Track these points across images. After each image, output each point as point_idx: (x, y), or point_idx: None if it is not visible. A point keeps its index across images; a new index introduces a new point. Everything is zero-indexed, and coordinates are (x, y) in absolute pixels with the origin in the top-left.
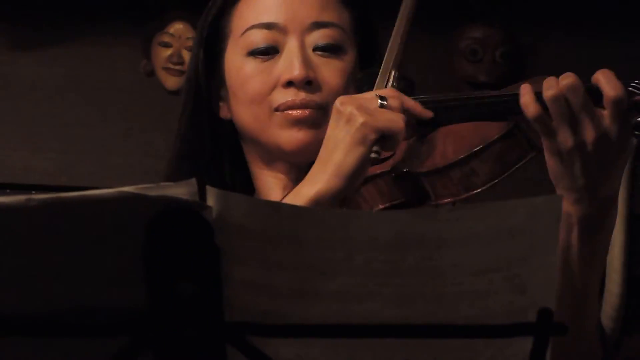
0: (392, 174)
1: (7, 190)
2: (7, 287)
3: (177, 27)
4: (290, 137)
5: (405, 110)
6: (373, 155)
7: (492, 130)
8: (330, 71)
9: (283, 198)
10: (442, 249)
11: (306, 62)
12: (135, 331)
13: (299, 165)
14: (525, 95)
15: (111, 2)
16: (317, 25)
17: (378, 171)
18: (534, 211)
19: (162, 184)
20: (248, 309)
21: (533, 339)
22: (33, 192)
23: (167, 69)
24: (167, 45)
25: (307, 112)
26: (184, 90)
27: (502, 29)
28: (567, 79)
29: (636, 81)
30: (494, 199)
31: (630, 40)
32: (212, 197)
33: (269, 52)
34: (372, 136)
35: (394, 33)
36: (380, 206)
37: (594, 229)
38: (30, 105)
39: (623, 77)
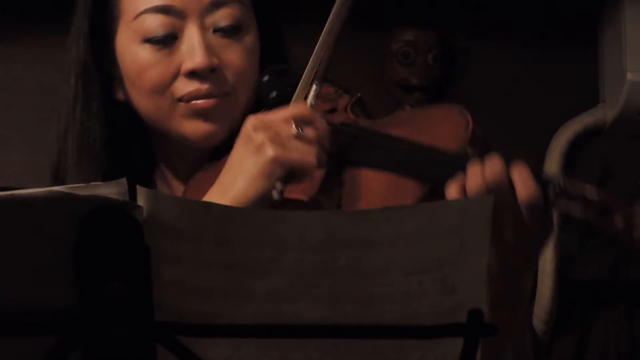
0: (308, 207)
1: None
2: None
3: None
4: (197, 128)
5: (321, 129)
6: (276, 196)
7: (409, 195)
8: (235, 53)
9: None
10: (372, 250)
11: (209, 48)
12: (65, 330)
13: (200, 151)
14: (452, 186)
15: (44, 4)
16: (216, 4)
17: (294, 197)
18: (464, 211)
19: (93, 183)
20: (179, 308)
21: (463, 340)
22: None
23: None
24: None
25: (212, 101)
26: (72, 75)
27: (435, 32)
28: (494, 170)
29: (559, 182)
30: None
31: (560, 43)
32: (142, 197)
33: (167, 40)
34: (280, 172)
35: (319, 42)
36: None
37: (507, 306)
38: None
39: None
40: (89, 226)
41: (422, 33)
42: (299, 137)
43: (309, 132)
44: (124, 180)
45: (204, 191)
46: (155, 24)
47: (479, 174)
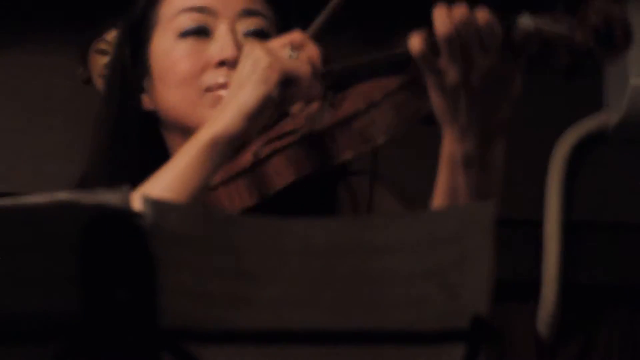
0: (299, 141)
1: None
2: None
3: (114, 35)
4: None
5: (311, 60)
6: (275, 98)
7: (392, 83)
8: None
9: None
10: (375, 256)
11: (237, 44)
12: (70, 338)
13: None
14: (414, 37)
15: (46, 11)
16: (248, 12)
17: (286, 143)
18: (465, 218)
19: (97, 190)
20: (183, 315)
21: (465, 346)
22: None
23: (103, 77)
24: (104, 53)
25: None
26: (107, 86)
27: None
28: (459, 10)
29: (525, 15)
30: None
31: None
32: (146, 204)
33: (200, 32)
34: (276, 77)
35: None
36: (290, 179)
37: (478, 166)
38: None
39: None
40: (93, 233)
41: None
42: (292, 57)
43: (302, 54)
44: (127, 187)
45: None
46: (191, 19)
47: (447, 19)
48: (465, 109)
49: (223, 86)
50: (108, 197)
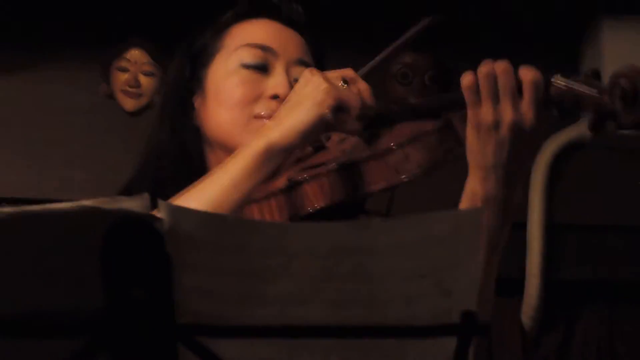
0: (335, 169)
1: None
2: None
3: (134, 54)
4: None
5: (360, 94)
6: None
7: (428, 125)
8: None
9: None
10: (374, 257)
11: (290, 84)
12: (94, 332)
13: None
14: (466, 74)
15: (72, 30)
16: (302, 62)
17: (324, 170)
18: (457, 222)
19: (118, 197)
20: (197, 311)
21: (457, 339)
22: (3, 204)
23: (125, 92)
24: (124, 70)
25: None
26: (164, 100)
27: (431, 54)
28: (502, 63)
29: (558, 75)
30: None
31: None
32: (163, 210)
33: (261, 68)
34: (332, 102)
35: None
36: (322, 204)
37: (497, 208)
38: (8, 135)
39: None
40: (115, 237)
41: (419, 55)
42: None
43: (354, 87)
44: (146, 194)
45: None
46: (255, 54)
47: (490, 63)
48: (492, 153)
49: (270, 117)
50: (129, 203)
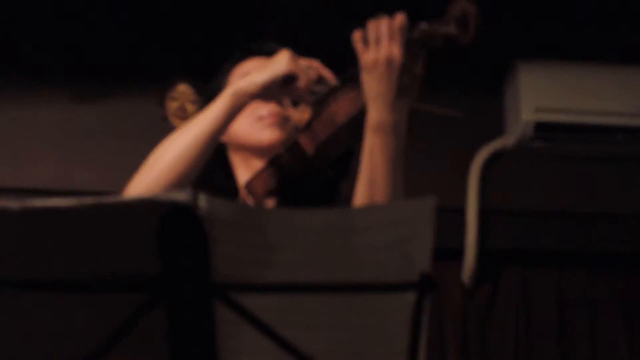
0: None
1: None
2: (62, 260)
3: (182, 87)
4: (271, 135)
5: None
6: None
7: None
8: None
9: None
10: (356, 233)
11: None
12: (153, 290)
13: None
14: (357, 30)
15: (136, 69)
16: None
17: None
18: (414, 208)
19: (169, 191)
20: (228, 274)
21: (416, 294)
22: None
23: (175, 116)
24: (175, 100)
25: (279, 118)
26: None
27: None
28: (384, 16)
29: (423, 22)
30: None
31: (481, 94)
32: (202, 200)
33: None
34: (285, 71)
35: None
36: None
37: (390, 129)
38: (88, 144)
39: None
40: (168, 220)
41: None
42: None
43: (312, 70)
44: (190, 190)
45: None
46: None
47: (380, 18)
48: (377, 85)
49: (270, 117)
50: (178, 195)
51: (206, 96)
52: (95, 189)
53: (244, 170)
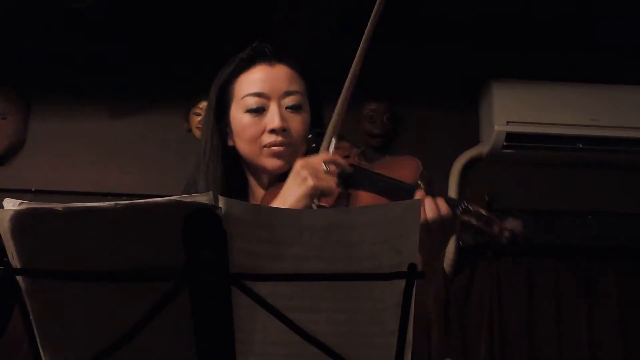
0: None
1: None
2: (100, 254)
3: (204, 104)
4: (274, 164)
5: (339, 165)
6: (314, 207)
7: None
8: (296, 122)
9: (263, 198)
10: (354, 230)
11: (282, 117)
12: (178, 279)
13: (274, 175)
14: (420, 193)
15: (164, 88)
16: (288, 93)
17: (322, 204)
18: (404, 207)
19: (193, 194)
20: (244, 266)
21: (405, 281)
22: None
23: (198, 129)
24: (198, 114)
25: (282, 148)
26: (203, 130)
27: (387, 103)
28: (442, 206)
29: (464, 202)
30: None
31: (459, 107)
32: (222, 202)
33: (259, 110)
34: (315, 193)
35: (335, 112)
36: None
37: (433, 267)
38: (123, 153)
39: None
40: (191, 219)
41: (379, 104)
42: (326, 171)
43: (332, 167)
44: (210, 193)
45: (273, 197)
46: (253, 101)
47: (434, 205)
48: (431, 243)
49: (273, 145)
50: (200, 198)
51: (216, 108)
52: (129, 191)
53: (253, 178)
